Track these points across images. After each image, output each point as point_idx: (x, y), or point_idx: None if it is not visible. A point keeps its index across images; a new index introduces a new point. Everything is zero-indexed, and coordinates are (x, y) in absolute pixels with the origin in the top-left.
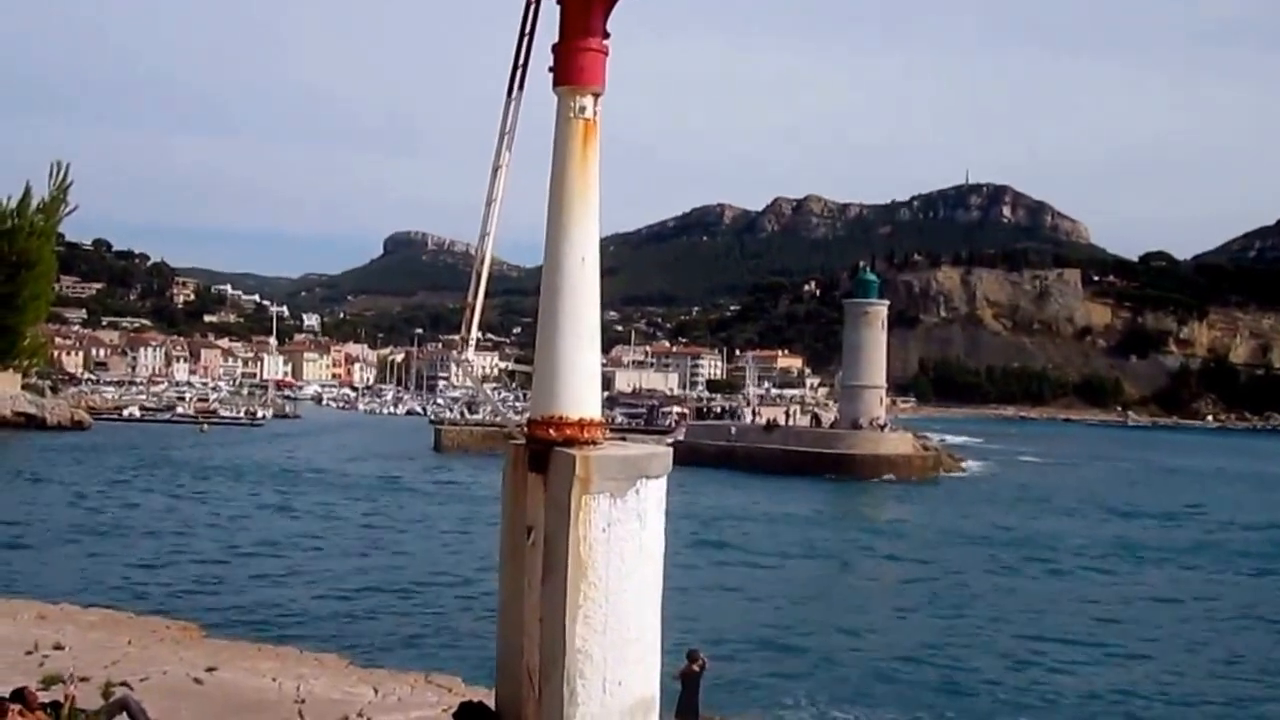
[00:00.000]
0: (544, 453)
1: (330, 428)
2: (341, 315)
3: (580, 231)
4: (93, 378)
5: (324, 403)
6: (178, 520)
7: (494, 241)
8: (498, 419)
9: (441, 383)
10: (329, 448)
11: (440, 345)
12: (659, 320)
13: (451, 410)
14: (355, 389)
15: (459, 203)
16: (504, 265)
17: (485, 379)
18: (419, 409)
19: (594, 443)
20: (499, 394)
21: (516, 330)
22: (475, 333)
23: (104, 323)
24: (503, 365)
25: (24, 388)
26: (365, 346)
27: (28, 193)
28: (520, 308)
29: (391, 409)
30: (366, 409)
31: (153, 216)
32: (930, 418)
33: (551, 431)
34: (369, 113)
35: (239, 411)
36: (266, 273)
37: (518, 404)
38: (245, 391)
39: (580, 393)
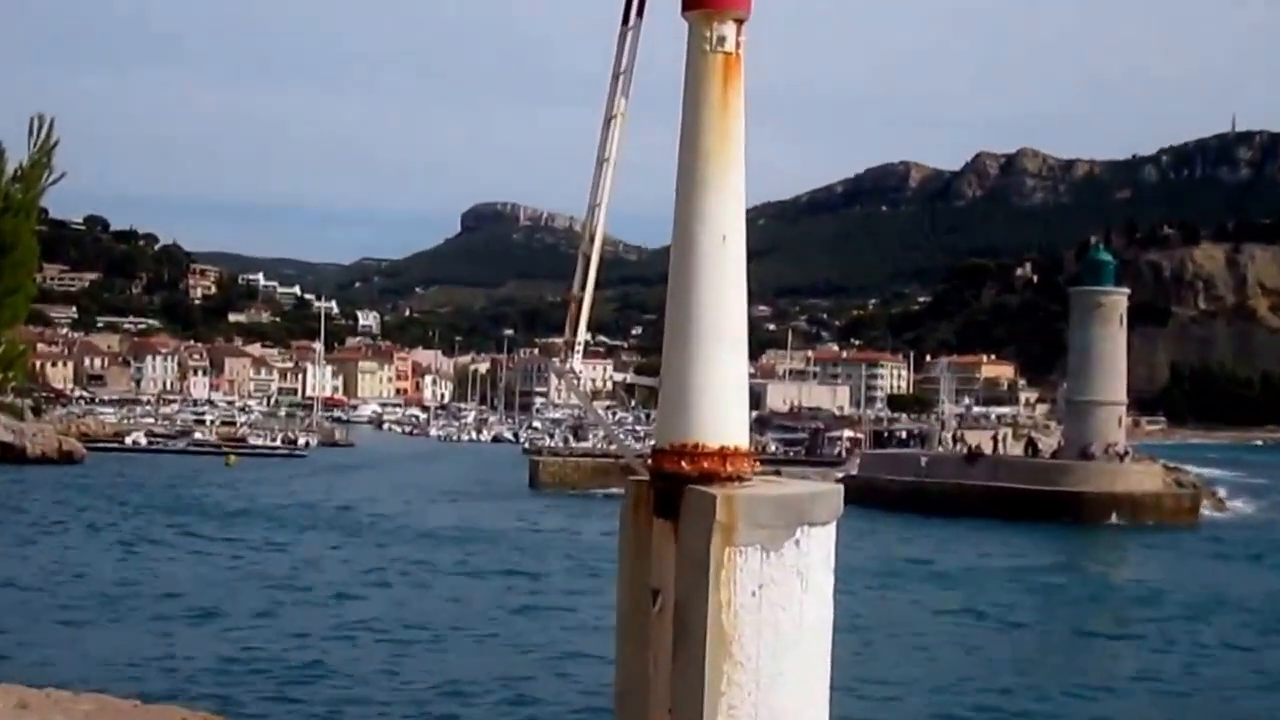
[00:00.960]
0: (674, 492)
1: (394, 459)
2: (408, 312)
3: (719, 201)
4: (86, 395)
5: (385, 427)
6: (199, 580)
7: (607, 215)
8: (612, 447)
9: (538, 400)
10: (393, 486)
11: (537, 351)
12: (824, 317)
13: (552, 436)
14: (426, 409)
15: (560, 166)
16: (620, 246)
17: (596, 395)
18: (509, 435)
19: (740, 479)
20: (613, 415)
21: (636, 331)
22: (584, 334)
23: (100, 324)
24: (619, 377)
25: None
26: (438, 353)
27: (1, 156)
28: (641, 301)
29: (473, 435)
30: (440, 435)
31: (162, 187)
32: (1185, 443)
33: (684, 464)
34: (439, 50)
35: (275, 438)
36: (310, 257)
37: (639, 428)
38: (283, 413)
39: (722, 413)
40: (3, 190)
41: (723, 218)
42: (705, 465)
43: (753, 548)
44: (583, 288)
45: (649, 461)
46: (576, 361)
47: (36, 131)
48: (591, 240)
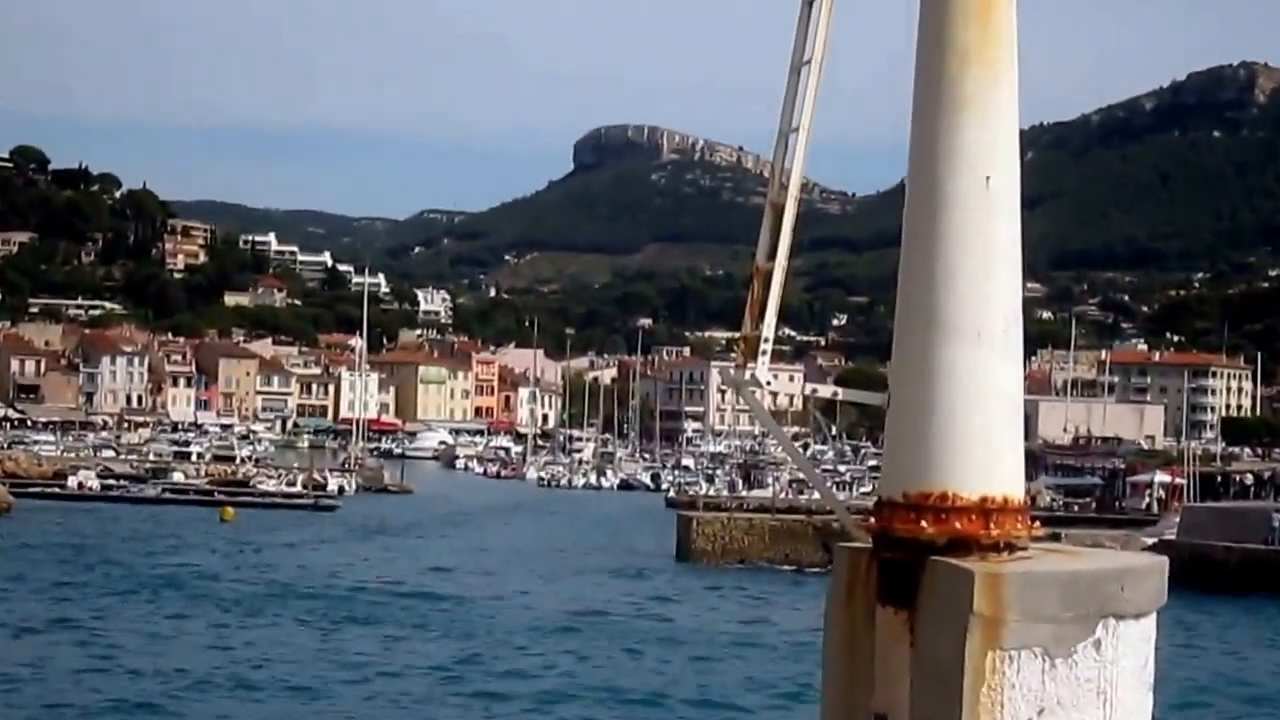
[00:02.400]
0: (910, 567)
1: (470, 515)
2: (493, 292)
3: (980, 126)
4: (14, 415)
5: (459, 464)
6: None
7: (808, 146)
8: (808, 499)
9: (690, 427)
10: (474, 554)
11: (689, 351)
12: (1124, 299)
13: (711, 481)
14: (521, 438)
15: (725, 72)
16: (815, 191)
17: (778, 417)
18: (645, 478)
19: (1012, 546)
20: (805, 448)
21: (838, 320)
22: (772, 326)
23: (33, 309)
24: (811, 390)
25: None
26: (539, 354)
27: None
28: (845, 276)
29: (592, 478)
30: (543, 478)
31: (125, 106)
32: None
33: (924, 524)
34: None
35: (293, 481)
36: (346, 209)
37: (842, 467)
38: (305, 443)
39: (983, 446)
40: None
41: (986, 151)
42: (958, 526)
43: (1030, 653)
44: (771, 256)
45: (870, 521)
46: (762, 368)
47: None
48: (785, 184)
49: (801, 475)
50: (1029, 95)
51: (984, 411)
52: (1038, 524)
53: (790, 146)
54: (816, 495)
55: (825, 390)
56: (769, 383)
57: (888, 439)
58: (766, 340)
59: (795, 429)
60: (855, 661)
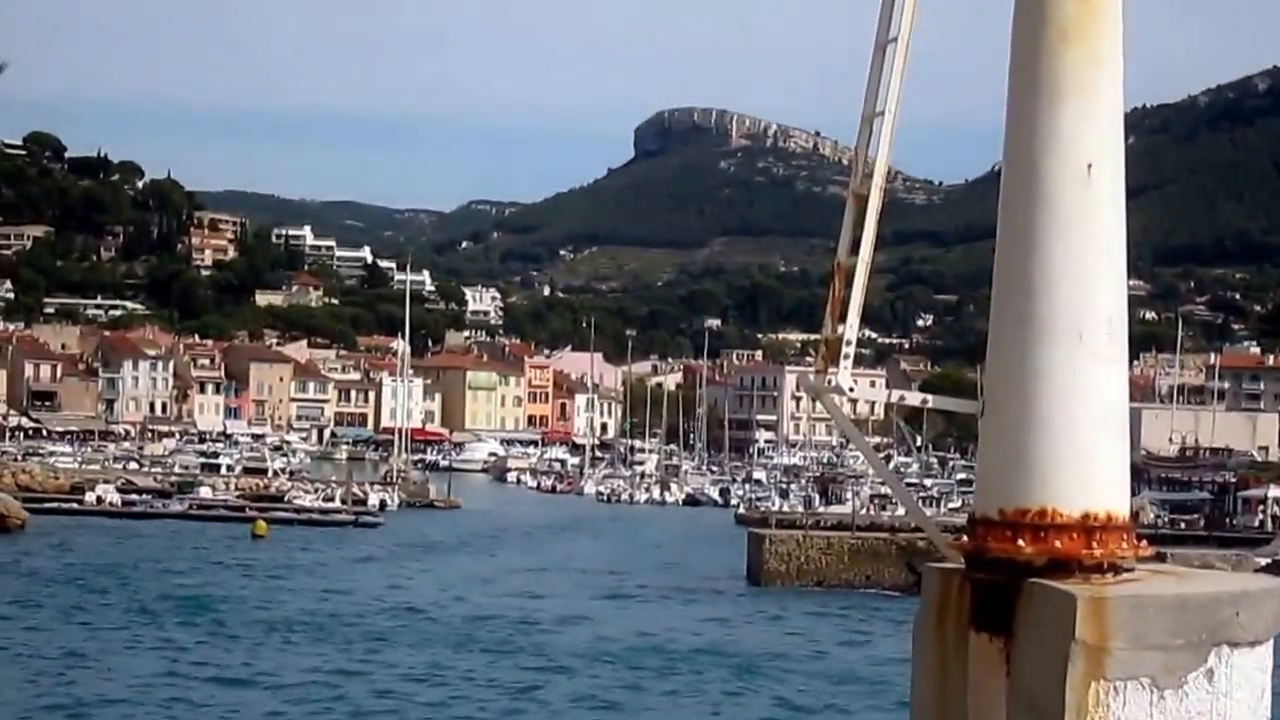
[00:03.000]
0: (1006, 590)
1: (524, 532)
2: (547, 290)
3: (1082, 110)
4: (29, 424)
5: (511, 478)
6: None
7: (894, 132)
8: (889, 515)
9: (762, 437)
10: (528, 576)
11: (761, 355)
12: (1235, 298)
13: (785, 496)
14: (578, 449)
15: (801, 51)
16: (898, 180)
17: (861, 426)
18: (713, 493)
19: (1116, 567)
20: (890, 459)
21: (923, 321)
22: (855, 327)
23: (49, 309)
24: (898, 397)
25: None
26: (598, 358)
27: None
28: (931, 273)
29: (655, 492)
30: (602, 492)
31: (148, 88)
32: None
33: (1021, 543)
34: None
35: (331, 496)
36: (387, 201)
37: (933, 483)
38: (343, 455)
39: (1086, 459)
40: None
41: (1087, 136)
42: (1058, 545)
43: (1137, 684)
44: (854, 251)
45: (962, 540)
46: (844, 373)
47: None
48: (869, 172)
49: (884, 489)
50: (1130, 74)
51: (1086, 420)
52: (1144, 543)
53: (874, 131)
54: (901, 512)
55: (913, 398)
56: (852, 389)
57: (981, 451)
58: (849, 343)
59: (877, 439)
60: (946, 693)
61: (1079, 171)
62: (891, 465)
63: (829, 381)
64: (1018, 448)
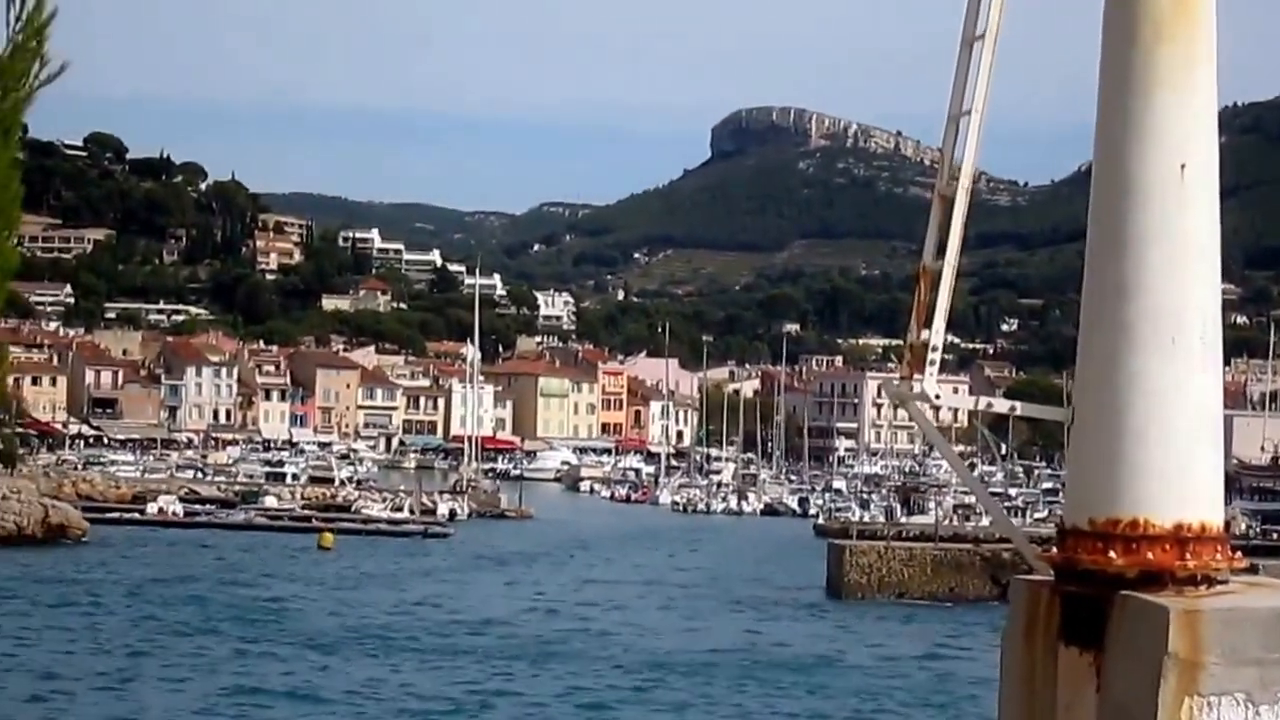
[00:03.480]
0: (1096, 603)
1: (598, 543)
2: (621, 295)
3: (1176, 108)
4: (90, 432)
5: (584, 487)
6: None
7: (979, 133)
8: (972, 525)
9: (843, 445)
10: (602, 587)
11: (841, 361)
12: None
13: (865, 506)
14: (653, 458)
15: (880, 51)
16: (981, 181)
17: (946, 432)
18: (792, 502)
19: (1210, 579)
20: (974, 468)
21: (1008, 326)
22: (940, 334)
23: (110, 314)
24: (985, 405)
25: None
26: (673, 364)
27: None
28: (1016, 277)
29: (732, 502)
30: (677, 502)
31: (210, 87)
32: None
33: (1112, 555)
34: None
35: (399, 505)
36: (457, 203)
37: (1018, 493)
38: (411, 463)
39: (1181, 468)
40: None
41: (1181, 136)
42: (1150, 557)
43: (1232, 699)
44: (940, 254)
45: (1051, 551)
46: (930, 380)
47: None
48: (956, 174)
49: (968, 500)
50: (1220, 71)
51: (1179, 428)
52: (1238, 554)
53: (961, 131)
54: (985, 522)
55: (1001, 405)
56: (938, 396)
57: (1071, 460)
58: (935, 349)
59: (960, 448)
60: (1035, 707)
61: (1172, 172)
62: (975, 474)
63: (915, 389)
64: (1109, 456)
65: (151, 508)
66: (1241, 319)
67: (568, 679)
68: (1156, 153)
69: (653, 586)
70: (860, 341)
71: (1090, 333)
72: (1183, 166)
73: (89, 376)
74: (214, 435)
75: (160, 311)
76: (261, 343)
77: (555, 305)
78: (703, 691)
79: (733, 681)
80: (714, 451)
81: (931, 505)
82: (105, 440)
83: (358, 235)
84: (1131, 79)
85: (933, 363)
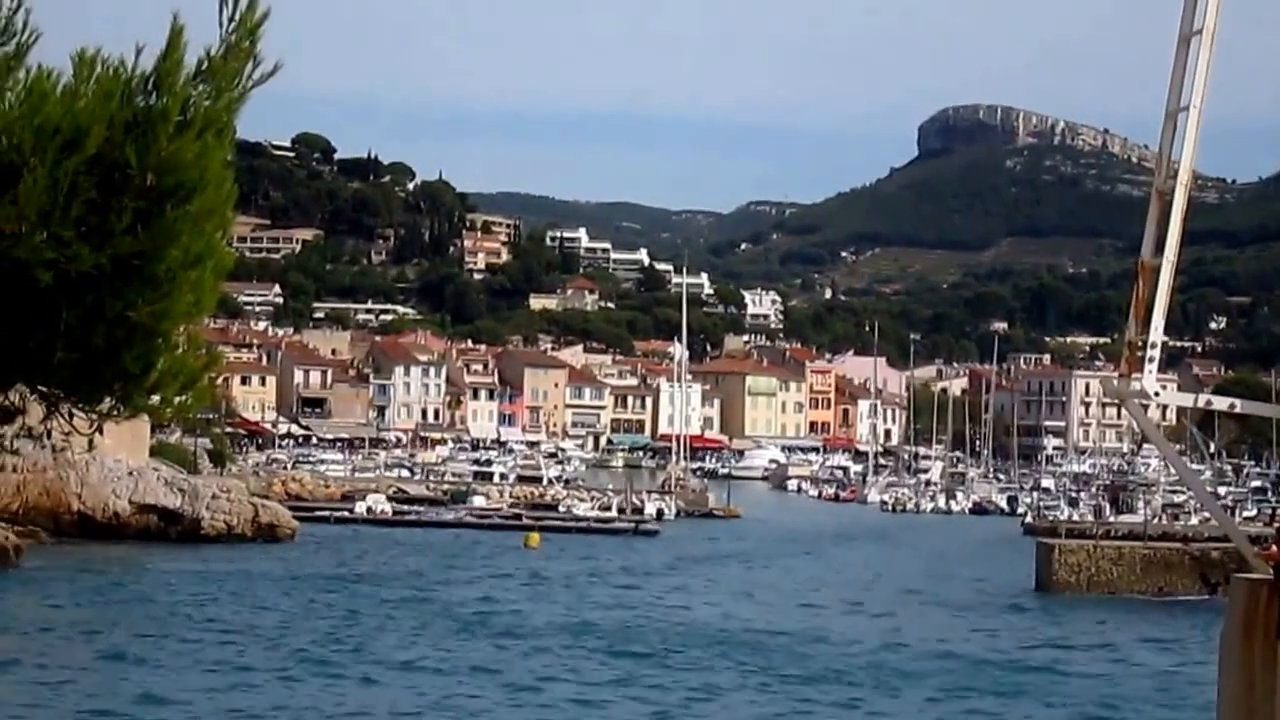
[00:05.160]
0: None
1: (807, 542)
2: (829, 294)
3: None
4: (299, 431)
5: (792, 485)
6: None
7: (1197, 129)
8: (1181, 524)
9: (1051, 444)
10: (812, 587)
11: (1049, 359)
12: None
13: (1074, 505)
14: (861, 456)
15: (1087, 47)
16: (1196, 179)
17: (1166, 430)
18: (1001, 501)
19: None
20: (1191, 461)
21: (1216, 324)
22: (1159, 331)
23: (319, 314)
24: (1205, 402)
25: (159, 455)
26: (881, 362)
27: (177, 36)
28: (1225, 275)
29: (940, 501)
30: (885, 501)
31: (418, 89)
32: None
33: None
34: None
35: (607, 505)
36: (665, 203)
37: (1227, 491)
38: (619, 462)
39: None
40: (180, 94)
41: None
42: None
43: None
44: (1158, 251)
45: (1269, 549)
46: (1150, 378)
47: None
48: (1173, 172)
49: (1176, 499)
50: None
51: None
52: None
53: (1179, 127)
54: (1194, 521)
55: (1220, 402)
56: (1158, 394)
57: None
58: (1154, 346)
59: (1185, 448)
60: (1254, 704)
61: None
62: (1196, 469)
63: (1134, 386)
64: None
65: (360, 507)
66: None
67: (777, 683)
68: None
69: (862, 586)
70: (1068, 339)
71: None
72: None
73: (298, 376)
74: (422, 434)
75: (369, 311)
76: (469, 342)
77: (762, 304)
78: (913, 691)
79: (940, 681)
80: (922, 450)
81: (1140, 504)
82: (314, 440)
83: (565, 235)
84: None
85: (1152, 360)
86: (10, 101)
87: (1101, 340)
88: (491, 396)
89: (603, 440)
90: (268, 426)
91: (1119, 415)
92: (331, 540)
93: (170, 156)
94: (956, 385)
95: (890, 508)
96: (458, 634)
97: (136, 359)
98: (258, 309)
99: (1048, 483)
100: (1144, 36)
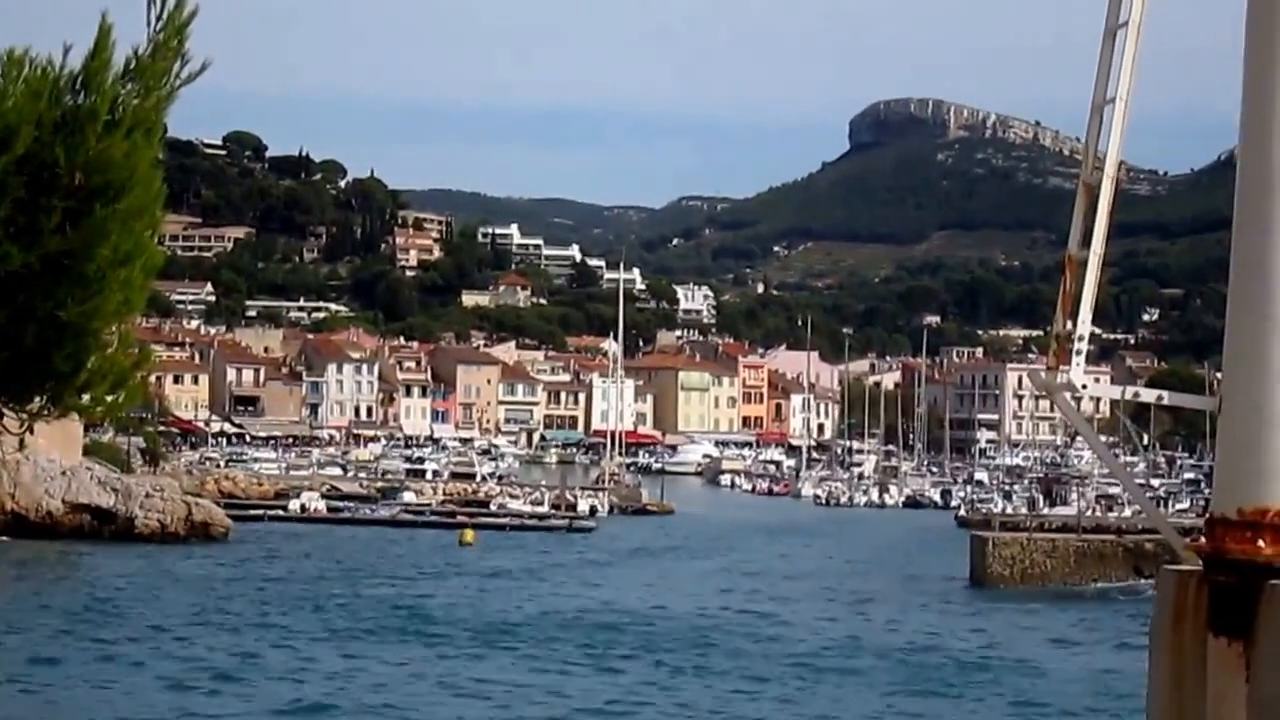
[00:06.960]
0: (1244, 593)
1: (741, 536)
2: (760, 288)
3: None
4: (231, 429)
5: (725, 481)
6: None
7: (1124, 122)
8: (1115, 516)
9: (984, 437)
10: (748, 580)
11: (982, 352)
12: None
13: (1008, 498)
14: (793, 450)
15: (1018, 36)
16: (1123, 171)
17: (1095, 422)
18: (933, 494)
19: None
20: (1118, 456)
21: (1149, 315)
22: (1086, 324)
23: (251, 312)
24: (1132, 394)
25: (93, 454)
26: (814, 357)
27: (105, 35)
28: (1157, 266)
29: (873, 495)
30: (818, 495)
31: (349, 81)
32: None
33: (1262, 544)
34: None
35: (540, 500)
36: (596, 198)
37: (1161, 483)
38: (553, 459)
39: None
40: (108, 93)
41: None
42: None
43: None
44: (1085, 243)
45: (1199, 541)
46: (1077, 370)
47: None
48: (1099, 164)
49: (1110, 490)
50: None
51: None
52: None
53: (1105, 120)
54: (1127, 513)
55: (1148, 394)
56: (1085, 386)
57: (1219, 449)
58: (1081, 339)
59: (1102, 439)
60: (1183, 699)
61: None
62: (1124, 461)
63: (1061, 379)
64: (1257, 445)
65: (294, 505)
66: None
67: (714, 676)
68: None
69: (796, 580)
70: (1001, 333)
71: (1236, 322)
72: None
73: (231, 374)
74: (355, 432)
75: (301, 309)
76: (402, 339)
77: (695, 299)
78: (846, 683)
79: (874, 672)
80: (855, 444)
81: (1074, 496)
82: (247, 438)
83: (497, 231)
84: (1276, 67)
85: (1079, 353)
86: None
87: (1034, 333)
88: (424, 393)
89: (536, 437)
90: (201, 425)
91: (1052, 408)
92: (265, 538)
93: (99, 155)
94: (889, 379)
95: (824, 502)
96: (387, 632)
97: (67, 358)
98: (190, 307)
99: (981, 476)
100: (1075, 29)
